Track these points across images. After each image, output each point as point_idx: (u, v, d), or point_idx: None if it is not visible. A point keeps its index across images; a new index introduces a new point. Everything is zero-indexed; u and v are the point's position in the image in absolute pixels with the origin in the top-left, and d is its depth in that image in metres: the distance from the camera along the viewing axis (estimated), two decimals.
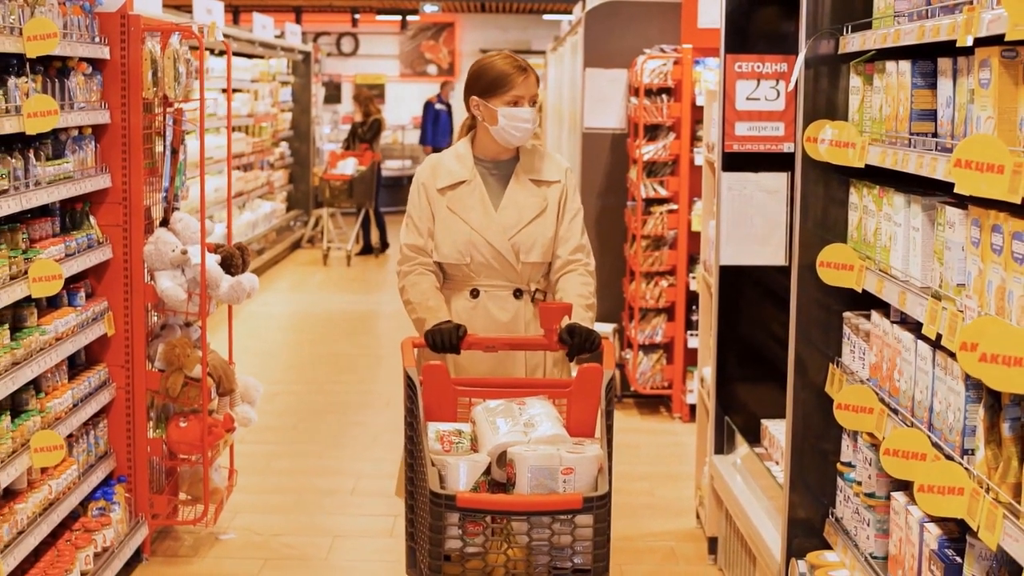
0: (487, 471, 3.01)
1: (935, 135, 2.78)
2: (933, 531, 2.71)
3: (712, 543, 4.78)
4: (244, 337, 6.49)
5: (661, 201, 6.92)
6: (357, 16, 20.22)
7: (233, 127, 10.40)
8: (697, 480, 5.11)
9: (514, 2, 18.79)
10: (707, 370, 4.92)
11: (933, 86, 2.78)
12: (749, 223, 4.56)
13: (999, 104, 2.33)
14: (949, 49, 2.61)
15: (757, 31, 4.58)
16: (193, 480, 4.87)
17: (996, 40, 2.29)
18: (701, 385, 5.13)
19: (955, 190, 2.34)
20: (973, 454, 2.47)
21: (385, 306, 10.56)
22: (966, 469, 2.45)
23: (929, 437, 2.68)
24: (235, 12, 17.66)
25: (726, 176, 4.60)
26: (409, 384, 3.17)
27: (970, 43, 2.39)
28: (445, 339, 3.40)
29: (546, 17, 19.83)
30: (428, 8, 19.58)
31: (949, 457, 2.55)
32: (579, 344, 3.39)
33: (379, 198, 13.62)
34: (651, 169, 6.92)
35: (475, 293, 3.67)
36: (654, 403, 7.13)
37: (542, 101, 3.24)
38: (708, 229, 4.93)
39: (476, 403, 3.26)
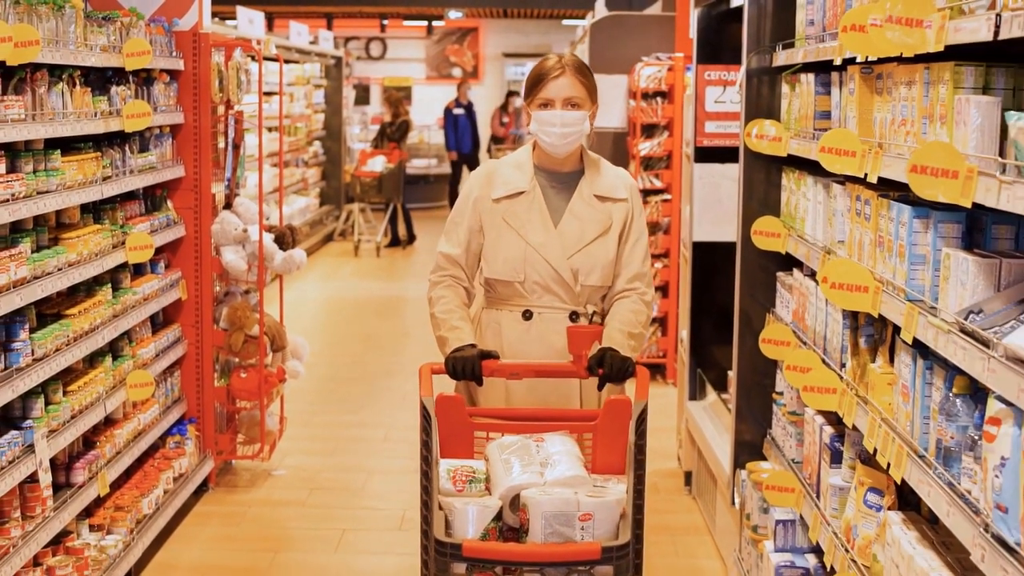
0: (498, 516, 2.76)
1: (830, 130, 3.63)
2: (827, 430, 3.57)
3: (687, 476, 5.65)
4: (285, 319, 7.34)
5: (657, 192, 7.80)
6: (385, 22, 21.19)
7: (272, 127, 11.35)
8: (677, 427, 5.98)
9: (534, 7, 19.65)
10: (684, 331, 5.79)
11: (828, 93, 3.65)
12: (718, 206, 5.44)
13: (860, 107, 3.20)
14: (841, 65, 3.48)
15: (724, 45, 5.46)
16: (250, 424, 5.78)
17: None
18: (680, 344, 6.00)
19: (840, 171, 3.21)
20: (846, 365, 3.34)
21: (411, 292, 11.46)
22: (839, 376, 3.32)
23: (823, 358, 3.54)
24: (269, 19, 18.60)
25: (698, 167, 5.49)
26: (424, 415, 2.92)
27: (839, 62, 3.27)
28: (466, 368, 3.16)
29: (564, 22, 20.70)
30: (453, 14, 20.53)
31: (831, 368, 3.42)
32: (609, 374, 3.17)
33: (405, 194, 14.51)
34: (648, 163, 7.80)
35: (528, 315, 3.40)
36: (651, 371, 7.97)
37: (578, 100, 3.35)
38: (685, 211, 5.80)
39: (495, 437, 3.04)
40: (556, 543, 2.66)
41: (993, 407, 2.19)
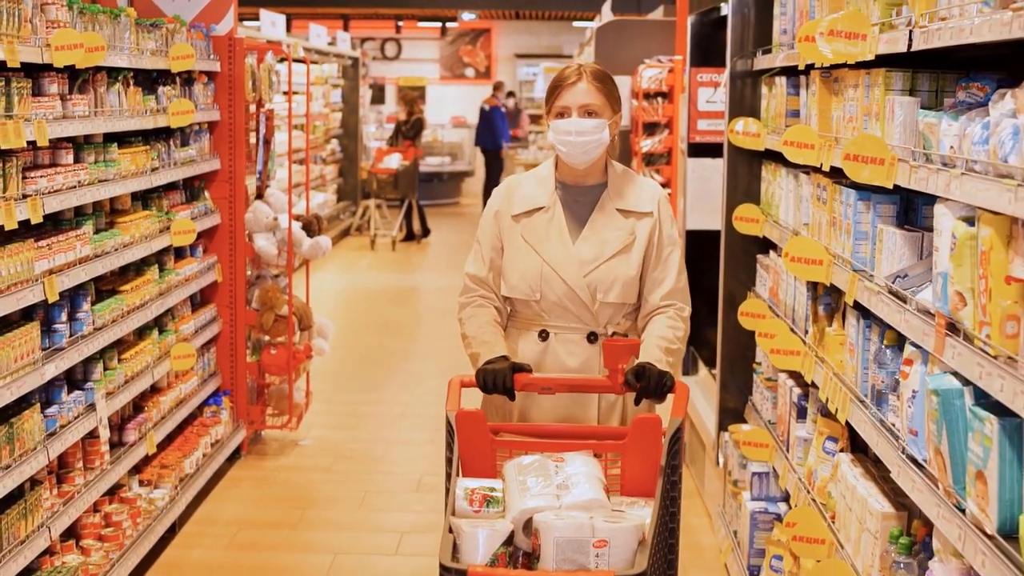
0: (509, 540, 2.64)
1: None
2: (795, 391, 4.06)
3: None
4: (310, 304, 7.94)
5: None
6: (400, 23, 21.71)
7: (297, 125, 11.88)
8: None
9: (545, 9, 20.14)
10: None
11: (797, 94, 4.13)
12: (709, 197, 5.93)
13: (820, 106, 3.68)
14: (806, 69, 3.96)
15: (715, 50, 5.93)
16: (279, 397, 6.28)
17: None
18: None
19: (801, 162, 3.69)
20: (808, 332, 3.83)
21: (426, 283, 11.98)
22: (802, 340, 3.81)
23: (790, 327, 4.03)
24: (288, 21, 19.10)
25: (691, 161, 5.98)
26: (449, 431, 2.87)
27: (803, 67, 3.75)
28: (497, 380, 3.04)
29: (575, 24, 21.21)
30: (466, 15, 21.04)
31: (796, 334, 3.90)
32: (646, 388, 3.00)
33: (419, 191, 14.99)
34: (649, 159, 8.29)
35: (544, 335, 3.29)
36: None
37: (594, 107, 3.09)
38: (680, 203, 6.29)
39: (517, 455, 2.91)
40: (567, 570, 2.53)
41: (908, 351, 2.68)
